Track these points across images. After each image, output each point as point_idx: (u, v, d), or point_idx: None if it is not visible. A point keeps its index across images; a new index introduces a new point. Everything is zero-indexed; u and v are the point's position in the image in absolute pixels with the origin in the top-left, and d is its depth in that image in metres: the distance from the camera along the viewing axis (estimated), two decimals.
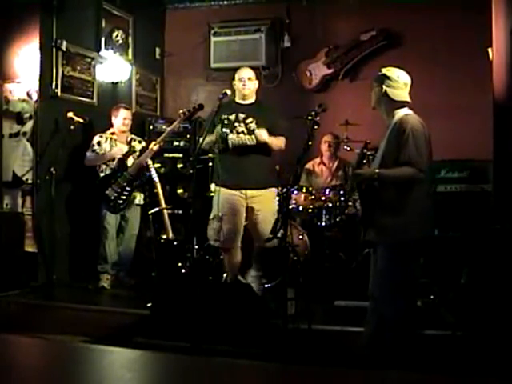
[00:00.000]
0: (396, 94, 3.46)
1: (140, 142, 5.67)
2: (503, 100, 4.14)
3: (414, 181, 3.34)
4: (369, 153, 3.87)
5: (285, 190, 3.73)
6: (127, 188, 5.40)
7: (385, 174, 3.33)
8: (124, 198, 5.40)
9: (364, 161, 3.50)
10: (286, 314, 3.53)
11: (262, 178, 4.62)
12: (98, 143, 5.51)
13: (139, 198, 5.58)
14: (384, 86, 3.46)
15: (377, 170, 3.31)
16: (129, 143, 5.59)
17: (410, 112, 3.46)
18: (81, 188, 5.60)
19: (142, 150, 5.44)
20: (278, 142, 4.65)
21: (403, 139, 3.31)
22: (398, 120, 3.42)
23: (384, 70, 3.52)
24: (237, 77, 4.70)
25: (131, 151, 5.49)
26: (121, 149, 5.42)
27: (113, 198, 5.38)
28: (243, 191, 4.62)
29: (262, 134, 4.53)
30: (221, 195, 4.63)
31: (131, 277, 5.58)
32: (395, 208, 3.35)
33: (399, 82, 3.48)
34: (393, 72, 3.50)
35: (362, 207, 3.54)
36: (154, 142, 5.33)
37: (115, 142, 5.54)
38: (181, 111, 5.20)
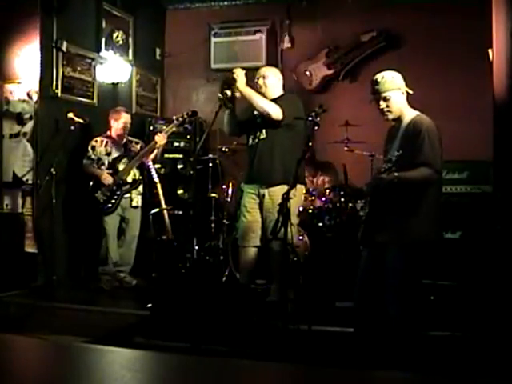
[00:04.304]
0: (404, 93, 3.48)
1: (137, 143, 5.66)
2: (503, 101, 4.13)
3: (431, 182, 3.35)
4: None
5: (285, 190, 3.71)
6: (117, 192, 5.40)
7: (404, 177, 3.29)
8: (113, 201, 5.40)
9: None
10: (286, 314, 3.53)
11: (273, 174, 4.49)
12: (93, 148, 5.52)
13: (136, 200, 5.57)
14: (401, 91, 3.46)
15: (396, 174, 3.27)
16: (124, 146, 5.59)
17: (417, 112, 3.47)
18: (81, 188, 5.59)
19: (135, 154, 5.47)
20: (264, 102, 4.42)
21: (419, 140, 3.30)
22: (411, 121, 3.41)
23: (387, 77, 3.46)
24: None
25: (123, 155, 5.52)
26: (106, 177, 5.40)
27: (102, 201, 5.39)
28: (256, 188, 4.59)
29: (239, 74, 4.38)
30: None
31: (132, 277, 5.57)
32: (411, 209, 3.34)
33: (402, 80, 3.48)
34: (393, 73, 3.49)
35: (372, 209, 3.50)
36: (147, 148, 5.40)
37: (110, 146, 5.53)
38: (174, 117, 5.29)
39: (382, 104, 3.45)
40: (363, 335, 3.54)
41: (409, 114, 3.46)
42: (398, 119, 3.48)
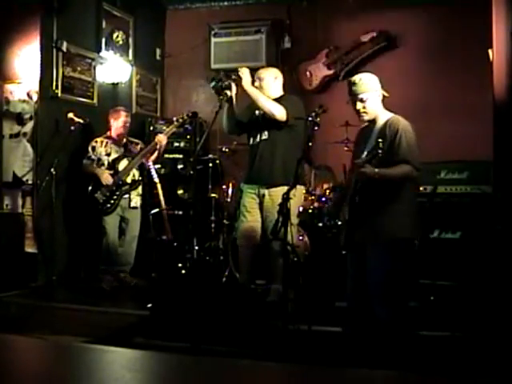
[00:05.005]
0: (380, 96, 3.54)
1: (137, 143, 5.68)
2: (503, 101, 4.13)
3: (410, 179, 3.40)
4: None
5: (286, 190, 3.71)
6: (116, 192, 5.41)
7: (384, 173, 3.33)
8: (112, 202, 5.40)
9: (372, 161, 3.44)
10: (286, 314, 3.53)
11: (273, 174, 4.50)
12: (93, 148, 5.52)
13: (135, 201, 5.57)
14: (377, 93, 3.51)
15: (376, 170, 3.31)
16: (124, 146, 5.59)
17: (392, 114, 3.53)
18: (81, 188, 5.60)
19: (135, 155, 5.48)
20: (269, 102, 4.43)
21: (396, 140, 3.36)
22: (387, 122, 3.46)
23: (364, 79, 3.51)
24: None
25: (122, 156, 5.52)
26: (106, 177, 5.40)
27: (101, 201, 5.39)
28: (256, 188, 4.59)
29: (245, 73, 4.40)
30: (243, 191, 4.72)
31: (132, 277, 5.57)
32: (389, 207, 3.38)
33: (378, 83, 3.55)
34: (370, 76, 3.55)
35: (351, 208, 3.48)
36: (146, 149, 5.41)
37: (110, 146, 5.54)
38: (175, 118, 5.31)
39: (359, 105, 3.51)
40: (354, 336, 3.56)
41: (384, 116, 3.52)
42: (373, 121, 3.54)
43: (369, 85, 3.50)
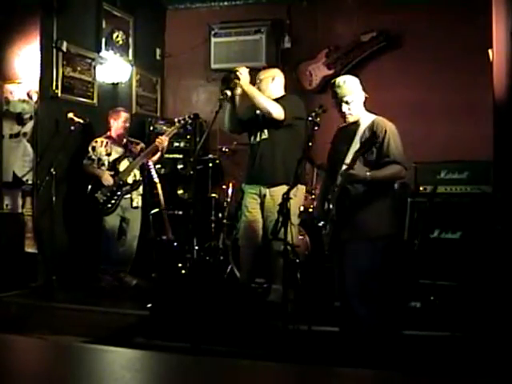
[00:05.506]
0: (362, 97, 3.61)
1: (138, 144, 5.68)
2: (503, 101, 4.13)
3: (401, 178, 3.50)
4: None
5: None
6: (117, 193, 5.41)
7: (375, 175, 3.38)
8: (113, 202, 5.41)
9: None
10: (286, 314, 3.53)
11: (274, 174, 4.50)
12: (93, 148, 5.53)
13: (137, 201, 5.58)
14: (361, 94, 3.58)
15: (368, 173, 3.35)
16: (124, 146, 5.59)
17: (374, 115, 3.58)
18: (81, 188, 5.60)
19: (136, 155, 5.48)
20: (266, 101, 4.43)
21: (385, 140, 3.41)
22: (373, 123, 3.51)
23: (348, 81, 3.58)
24: None
25: (123, 156, 5.52)
26: (107, 178, 5.41)
27: (102, 201, 5.40)
28: (257, 188, 4.60)
29: (243, 72, 4.40)
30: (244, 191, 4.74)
31: (132, 277, 5.57)
32: (376, 205, 3.43)
33: (360, 85, 3.62)
34: (353, 78, 3.63)
35: (338, 207, 3.49)
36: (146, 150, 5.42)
37: (110, 146, 5.54)
38: (176, 119, 5.32)
39: (344, 107, 3.56)
40: (347, 335, 3.57)
41: (367, 117, 3.57)
42: (356, 122, 3.58)
43: (353, 87, 3.57)
